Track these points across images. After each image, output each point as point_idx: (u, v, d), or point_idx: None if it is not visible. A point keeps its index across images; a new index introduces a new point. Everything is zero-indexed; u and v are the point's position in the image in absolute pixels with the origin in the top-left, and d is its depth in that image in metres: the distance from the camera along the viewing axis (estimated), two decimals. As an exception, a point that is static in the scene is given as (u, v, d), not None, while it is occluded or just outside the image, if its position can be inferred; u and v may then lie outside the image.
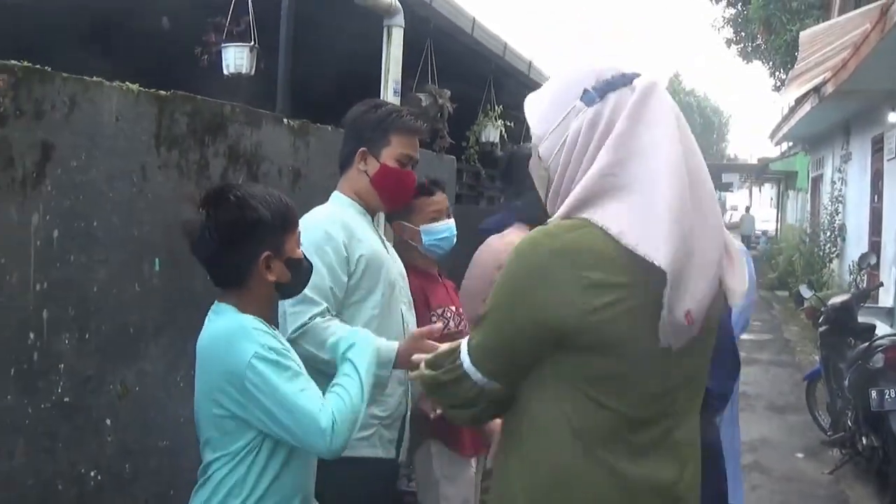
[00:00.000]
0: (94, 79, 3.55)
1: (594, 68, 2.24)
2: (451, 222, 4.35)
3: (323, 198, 3.91)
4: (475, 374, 2.20)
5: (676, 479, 2.20)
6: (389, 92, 6.09)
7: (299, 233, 2.86)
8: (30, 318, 3.25)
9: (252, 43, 6.03)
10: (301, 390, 2.62)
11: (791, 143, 28.55)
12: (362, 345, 2.93)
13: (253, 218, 2.69)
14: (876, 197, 14.36)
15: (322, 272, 3.34)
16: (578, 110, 2.18)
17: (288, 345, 2.80)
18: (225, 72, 6.08)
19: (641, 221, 2.02)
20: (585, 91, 2.19)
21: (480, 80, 9.21)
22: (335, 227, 3.50)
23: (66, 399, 3.44)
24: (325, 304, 3.35)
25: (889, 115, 11.92)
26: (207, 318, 2.77)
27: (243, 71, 6.05)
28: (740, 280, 2.23)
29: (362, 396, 2.77)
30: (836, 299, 9.23)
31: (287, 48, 5.92)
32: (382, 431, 3.59)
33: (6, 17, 6.70)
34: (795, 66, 13.37)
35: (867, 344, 7.69)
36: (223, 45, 6.08)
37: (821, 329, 8.98)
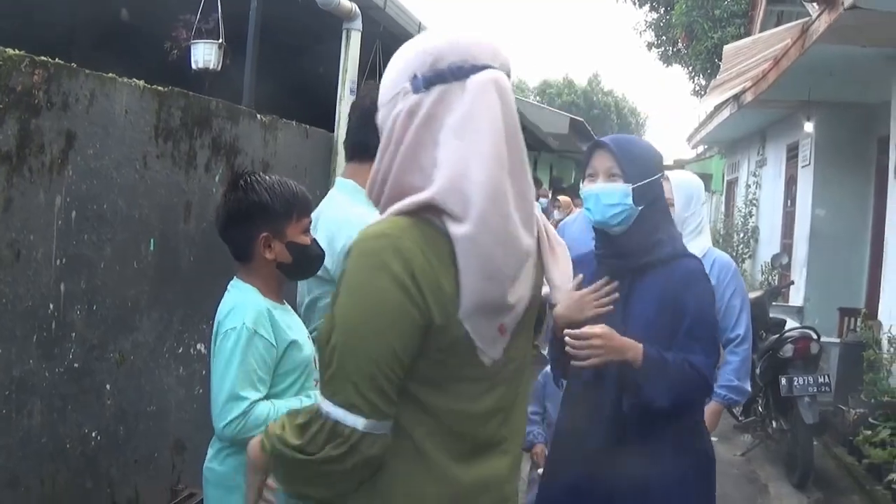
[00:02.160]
0: (109, 75, 3.91)
1: (435, 51, 2.05)
2: None
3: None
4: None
5: (508, 475, 2.19)
6: (346, 91, 6.47)
7: (309, 221, 3.23)
8: (50, 291, 3.61)
9: (220, 40, 6.38)
10: (240, 372, 2.95)
11: (706, 146, 28.89)
12: None
13: (253, 201, 3.07)
14: (789, 201, 14.88)
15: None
16: (405, 93, 2.03)
17: (277, 334, 3.10)
18: (193, 67, 6.43)
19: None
20: (414, 76, 2.03)
21: (422, 79, 9.62)
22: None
23: (76, 365, 3.80)
24: None
25: (805, 125, 12.42)
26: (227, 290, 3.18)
27: (210, 66, 6.40)
28: (563, 276, 2.21)
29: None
30: (749, 296, 9.85)
31: (254, 46, 6.28)
32: None
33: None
34: (717, 77, 13.84)
35: (777, 336, 8.30)
36: (192, 41, 6.42)
37: (735, 323, 9.56)
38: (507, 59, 2.14)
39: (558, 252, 2.24)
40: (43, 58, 3.48)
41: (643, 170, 3.31)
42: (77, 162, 3.70)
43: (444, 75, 2.01)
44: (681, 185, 4.60)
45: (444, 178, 1.96)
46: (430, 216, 1.99)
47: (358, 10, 6.35)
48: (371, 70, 7.91)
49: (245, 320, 2.99)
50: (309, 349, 3.16)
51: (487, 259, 1.96)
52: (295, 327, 3.17)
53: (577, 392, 3.48)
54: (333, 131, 6.38)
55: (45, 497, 3.65)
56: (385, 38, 7.68)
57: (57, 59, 3.53)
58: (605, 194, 3.30)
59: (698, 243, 4.52)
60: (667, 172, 4.41)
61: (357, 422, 1.90)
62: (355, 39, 6.45)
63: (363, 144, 3.42)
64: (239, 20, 6.34)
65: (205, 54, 6.40)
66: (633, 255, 3.34)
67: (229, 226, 3.15)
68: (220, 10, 6.36)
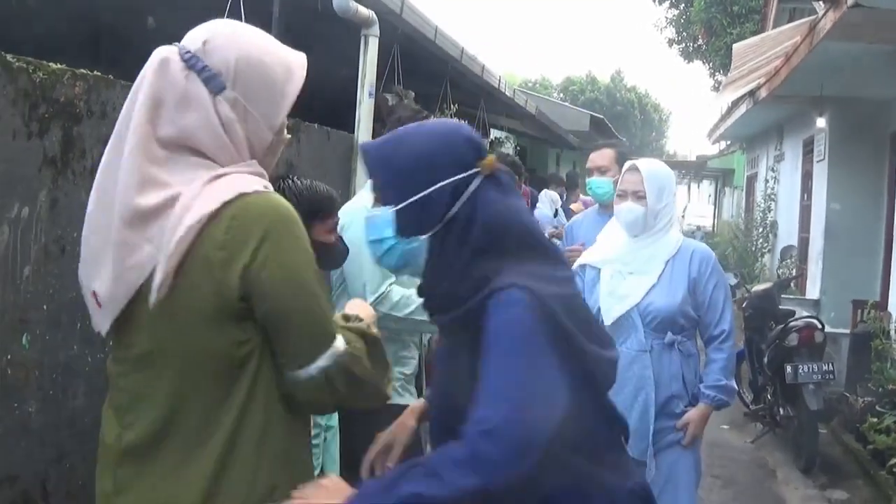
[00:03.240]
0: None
1: (205, 30, 2.29)
2: None
3: None
4: None
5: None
6: (365, 94, 6.77)
7: (335, 220, 3.59)
8: (91, 282, 3.92)
9: (243, 48, 6.69)
10: None
11: (728, 142, 29.08)
12: None
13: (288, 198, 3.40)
14: (806, 195, 15.08)
15: None
16: None
17: None
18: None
19: None
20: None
21: (438, 81, 9.92)
22: None
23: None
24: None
25: (817, 121, 12.62)
26: None
27: (235, 72, 6.71)
28: (163, 273, 2.06)
29: None
30: (759, 287, 10.21)
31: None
32: (407, 385, 4.44)
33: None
34: (729, 74, 14.11)
35: (783, 325, 8.58)
36: (216, 49, 6.73)
37: (745, 314, 9.89)
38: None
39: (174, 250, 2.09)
40: (82, 70, 3.79)
41: (405, 184, 2.38)
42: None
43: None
44: (652, 176, 4.50)
45: None
46: None
47: (375, 16, 6.64)
48: (389, 74, 8.21)
49: None
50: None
51: (85, 238, 2.25)
52: None
53: None
54: (353, 132, 6.68)
55: (88, 473, 3.95)
56: (402, 41, 7.97)
57: (95, 72, 3.84)
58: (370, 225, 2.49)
59: (671, 237, 4.53)
60: (636, 162, 4.59)
61: None
62: (373, 45, 6.74)
63: None
64: (260, 27, 6.63)
65: (229, 60, 6.70)
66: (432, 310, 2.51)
67: None
68: (242, 18, 6.66)
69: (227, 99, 2.21)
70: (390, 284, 4.13)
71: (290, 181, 3.55)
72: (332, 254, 3.61)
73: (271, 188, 2.28)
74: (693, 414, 4.42)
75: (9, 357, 3.38)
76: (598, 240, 4.85)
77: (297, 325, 2.17)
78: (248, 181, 2.19)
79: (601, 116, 23.71)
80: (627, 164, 4.65)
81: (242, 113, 2.24)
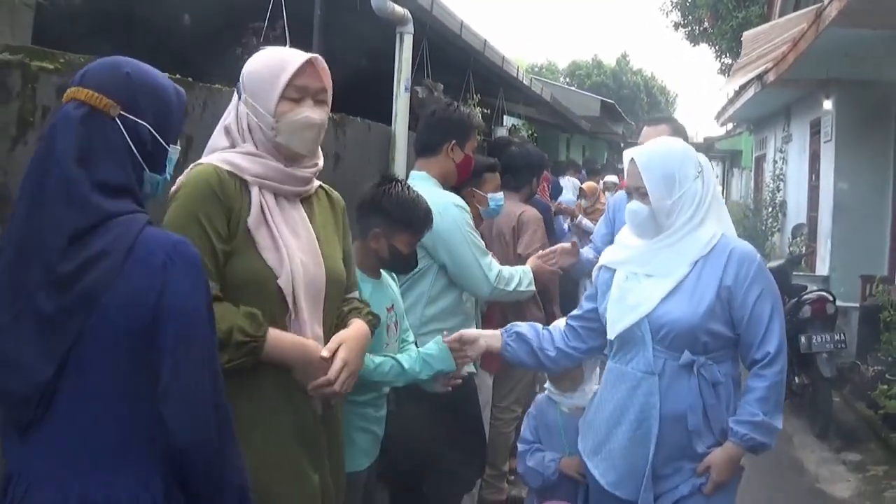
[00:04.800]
0: (216, 86, 4.66)
1: None
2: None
3: (355, 176, 5.34)
4: None
5: None
6: (401, 88, 7.19)
7: (417, 238, 4.06)
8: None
9: (287, 46, 7.11)
10: None
11: (735, 124, 29.18)
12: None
13: (381, 201, 3.94)
14: (814, 176, 15.37)
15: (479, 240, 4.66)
16: None
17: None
18: (263, 70, 7.16)
19: None
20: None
21: (461, 73, 10.34)
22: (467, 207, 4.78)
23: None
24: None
25: (824, 103, 13.00)
26: None
27: (279, 69, 7.14)
28: None
29: None
30: (772, 264, 10.67)
31: (319, 50, 7.00)
32: None
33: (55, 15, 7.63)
34: (739, 60, 14.49)
35: (796, 299, 9.05)
36: (261, 47, 7.14)
37: (761, 290, 10.35)
38: None
39: None
40: (167, 74, 4.21)
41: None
42: (192, 161, 4.44)
43: None
44: (651, 165, 3.63)
45: None
46: None
47: (409, 15, 7.05)
48: (419, 67, 8.62)
49: None
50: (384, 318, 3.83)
51: None
52: (375, 300, 3.76)
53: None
54: (391, 125, 7.10)
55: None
56: (431, 36, 8.38)
57: (179, 76, 4.27)
58: None
59: (702, 234, 3.61)
60: (631, 150, 3.77)
61: None
62: (408, 42, 7.14)
63: (428, 144, 4.88)
64: (303, 26, 7.04)
65: (274, 59, 7.14)
66: None
67: (362, 210, 3.99)
68: (285, 18, 7.07)
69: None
70: (493, 262, 4.67)
71: (400, 186, 4.01)
72: (402, 262, 4.05)
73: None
74: (716, 456, 3.53)
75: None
76: (616, 239, 3.98)
77: None
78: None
79: (612, 101, 24.05)
80: (625, 153, 3.81)
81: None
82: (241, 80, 3.19)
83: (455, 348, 3.86)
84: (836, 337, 8.70)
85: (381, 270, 4.04)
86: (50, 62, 3.30)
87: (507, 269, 4.75)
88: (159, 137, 2.42)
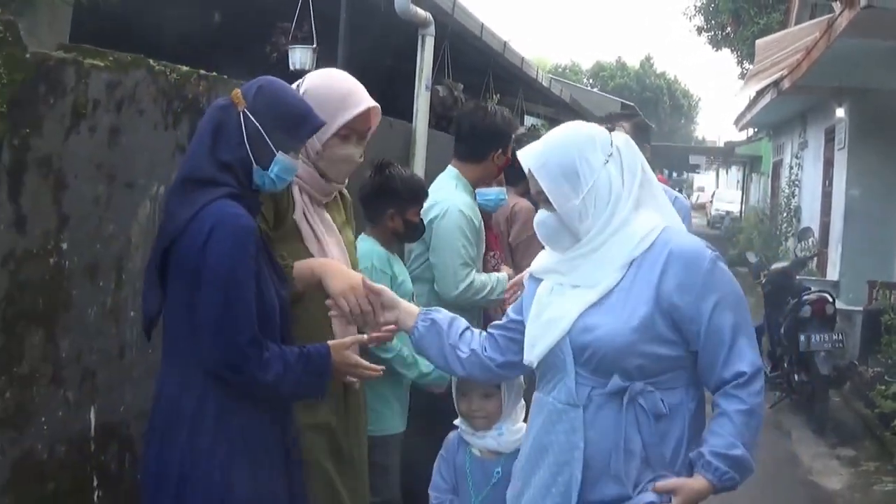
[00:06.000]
0: (241, 82, 4.97)
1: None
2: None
3: None
4: None
5: None
6: (422, 88, 7.51)
7: (421, 206, 4.46)
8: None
9: (314, 45, 7.47)
10: None
11: (755, 129, 29.43)
12: None
13: (394, 188, 4.33)
14: (827, 182, 15.66)
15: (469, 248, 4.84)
16: None
17: (392, 269, 4.32)
18: (291, 68, 7.51)
19: None
20: None
21: (482, 73, 10.67)
22: (476, 213, 4.99)
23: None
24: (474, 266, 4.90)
25: (837, 111, 13.25)
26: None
27: (306, 68, 7.47)
28: None
29: None
30: (778, 265, 11.06)
31: (344, 50, 7.35)
32: None
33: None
34: (752, 67, 14.76)
35: (797, 299, 9.36)
36: (290, 46, 7.51)
37: (765, 290, 10.73)
38: None
39: None
40: (202, 71, 4.52)
41: None
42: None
43: None
44: (544, 165, 2.93)
45: None
46: None
47: (431, 17, 7.37)
48: (440, 68, 8.94)
49: (374, 261, 4.18)
50: (409, 286, 4.35)
51: None
52: (401, 271, 4.37)
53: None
54: (411, 122, 7.43)
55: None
56: (452, 38, 8.70)
57: (215, 74, 4.58)
58: None
59: (635, 229, 2.90)
60: (521, 152, 3.04)
61: None
62: (429, 43, 7.47)
63: (474, 152, 5.08)
64: (329, 27, 7.38)
65: (301, 57, 7.50)
66: None
67: (372, 198, 4.38)
68: (312, 19, 7.42)
69: None
70: (469, 273, 4.81)
71: (396, 168, 4.39)
72: (416, 230, 4.49)
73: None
74: (685, 486, 2.81)
75: (150, 307, 4.07)
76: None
77: None
78: None
79: (631, 104, 24.31)
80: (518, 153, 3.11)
81: None
82: (300, 86, 3.40)
83: (373, 303, 3.30)
84: (835, 337, 9.02)
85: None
86: (100, 60, 3.57)
87: (481, 279, 4.90)
88: (267, 139, 2.99)
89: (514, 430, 3.50)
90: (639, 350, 2.82)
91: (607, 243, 2.88)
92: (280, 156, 3.01)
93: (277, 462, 3.08)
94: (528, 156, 2.97)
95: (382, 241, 4.36)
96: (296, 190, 3.43)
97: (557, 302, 2.96)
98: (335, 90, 3.42)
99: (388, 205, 4.35)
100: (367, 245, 4.27)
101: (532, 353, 3.01)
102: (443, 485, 3.62)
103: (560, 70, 53.93)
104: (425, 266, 4.86)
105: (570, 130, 3.03)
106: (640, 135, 5.19)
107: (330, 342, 3.15)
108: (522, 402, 3.56)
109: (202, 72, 4.47)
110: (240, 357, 2.80)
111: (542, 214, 2.99)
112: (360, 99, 3.41)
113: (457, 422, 3.63)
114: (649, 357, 2.83)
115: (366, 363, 3.22)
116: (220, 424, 2.90)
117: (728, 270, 2.94)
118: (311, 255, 3.38)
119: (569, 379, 2.90)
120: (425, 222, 4.60)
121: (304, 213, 3.44)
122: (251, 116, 3.00)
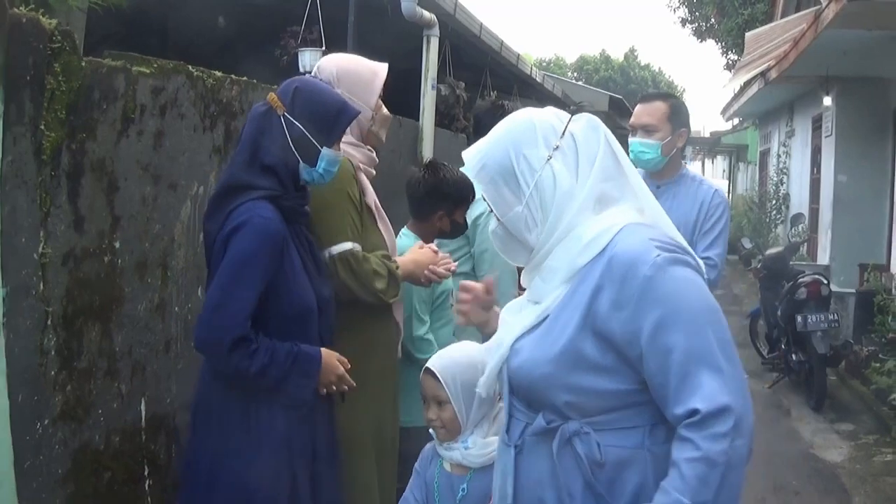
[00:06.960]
0: (275, 87, 5.19)
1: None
2: None
3: (387, 167, 5.78)
4: None
5: None
6: (428, 87, 7.76)
7: (469, 205, 4.60)
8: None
9: (323, 48, 7.68)
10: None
11: (741, 119, 29.21)
12: None
13: (443, 189, 4.48)
14: (815, 169, 15.86)
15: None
16: None
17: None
18: (301, 70, 7.72)
19: None
20: None
21: (479, 71, 10.92)
22: None
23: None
24: None
25: (824, 99, 13.48)
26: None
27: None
28: None
29: None
30: (772, 251, 11.36)
31: (352, 52, 7.55)
32: None
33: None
34: (741, 59, 14.96)
35: (793, 282, 9.65)
36: (299, 49, 7.72)
37: (760, 275, 11.07)
38: None
39: None
40: (233, 76, 4.70)
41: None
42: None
43: None
44: (482, 164, 2.43)
45: None
46: None
47: (436, 19, 7.61)
48: (442, 66, 9.15)
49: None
50: (449, 282, 4.44)
51: None
52: None
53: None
54: (418, 120, 7.67)
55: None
56: (452, 37, 8.93)
57: (245, 78, 4.79)
58: None
59: (583, 232, 2.32)
60: (464, 153, 2.51)
61: None
62: (434, 44, 7.72)
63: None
64: (337, 30, 7.58)
65: (311, 59, 7.68)
66: None
67: (423, 197, 4.51)
68: (321, 23, 7.62)
69: None
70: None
71: (447, 169, 4.52)
72: (459, 230, 4.64)
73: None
74: None
75: (189, 305, 4.10)
76: None
77: (325, 219, 3.57)
78: None
79: (619, 97, 24.44)
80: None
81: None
82: (333, 79, 3.77)
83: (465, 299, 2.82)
84: (830, 317, 9.33)
85: None
86: (146, 67, 3.78)
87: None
88: (311, 138, 3.24)
89: (482, 443, 3.10)
90: (563, 383, 2.28)
91: (553, 252, 2.38)
92: (325, 150, 3.28)
93: (301, 459, 3.26)
94: (468, 158, 2.48)
95: (424, 237, 4.46)
96: (361, 175, 3.78)
97: (512, 322, 2.48)
98: (361, 66, 3.93)
99: (439, 206, 4.49)
100: (411, 242, 4.38)
101: (480, 382, 2.58)
102: (412, 499, 3.26)
103: (544, 64, 53.95)
104: (464, 258, 4.97)
105: (511, 123, 2.47)
106: (676, 118, 4.89)
107: (323, 349, 3.34)
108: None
109: (233, 76, 4.68)
110: (219, 346, 3.05)
111: (491, 225, 2.53)
112: (377, 64, 3.95)
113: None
114: (581, 392, 2.27)
115: (349, 379, 3.40)
116: (245, 417, 3.16)
117: (690, 278, 2.25)
118: (384, 241, 3.82)
119: (503, 413, 2.51)
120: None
121: (371, 197, 3.84)
122: (293, 119, 3.25)
